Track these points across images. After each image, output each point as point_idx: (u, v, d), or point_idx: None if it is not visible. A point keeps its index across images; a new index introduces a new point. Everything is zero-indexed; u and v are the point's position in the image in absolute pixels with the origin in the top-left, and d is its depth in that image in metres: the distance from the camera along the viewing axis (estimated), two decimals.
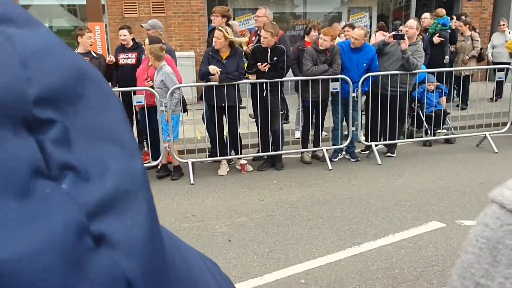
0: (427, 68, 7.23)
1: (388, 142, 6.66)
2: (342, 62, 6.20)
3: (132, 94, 5.83)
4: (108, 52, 7.26)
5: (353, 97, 6.27)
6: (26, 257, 0.19)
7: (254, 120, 6.37)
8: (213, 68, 5.67)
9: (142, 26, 6.70)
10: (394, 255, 3.85)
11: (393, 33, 6.61)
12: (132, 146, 0.27)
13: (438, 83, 7.25)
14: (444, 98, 7.53)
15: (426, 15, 9.17)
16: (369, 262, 3.76)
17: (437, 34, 8.69)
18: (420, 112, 7.13)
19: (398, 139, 6.77)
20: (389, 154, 6.71)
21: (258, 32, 6.46)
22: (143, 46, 6.26)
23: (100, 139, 0.25)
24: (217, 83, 5.76)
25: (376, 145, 6.57)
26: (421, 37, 7.09)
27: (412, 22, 6.50)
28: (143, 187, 0.25)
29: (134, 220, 0.24)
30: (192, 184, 5.73)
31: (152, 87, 5.73)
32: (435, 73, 7.06)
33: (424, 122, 7.13)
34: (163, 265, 0.26)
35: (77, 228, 0.21)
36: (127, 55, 6.56)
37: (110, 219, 0.23)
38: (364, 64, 6.23)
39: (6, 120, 0.20)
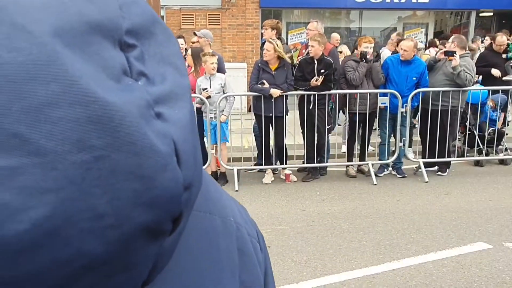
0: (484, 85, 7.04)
1: (437, 160, 6.50)
2: (391, 76, 6.17)
3: None
4: None
5: (402, 112, 6.20)
6: (120, 103, 0.32)
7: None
8: (274, 92, 5.81)
9: (195, 34, 6.96)
10: (435, 273, 3.77)
11: (444, 50, 6.49)
12: (183, 70, 0.40)
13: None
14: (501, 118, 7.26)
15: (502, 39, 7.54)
16: (408, 277, 3.70)
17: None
18: (474, 130, 6.93)
19: (448, 157, 6.58)
20: (439, 173, 6.54)
21: (309, 45, 6.54)
22: (185, 56, 6.51)
23: (163, 62, 0.38)
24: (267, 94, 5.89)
25: (426, 163, 6.44)
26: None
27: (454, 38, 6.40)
28: (188, 95, 0.39)
29: (180, 111, 0.37)
30: (237, 191, 5.85)
31: (208, 97, 5.87)
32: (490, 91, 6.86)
33: (479, 142, 6.92)
34: (194, 143, 0.39)
35: (147, 102, 0.34)
36: None
37: (165, 107, 0.36)
38: (414, 78, 6.15)
39: (109, 38, 0.34)
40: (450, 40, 6.31)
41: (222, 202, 0.54)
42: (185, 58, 6.67)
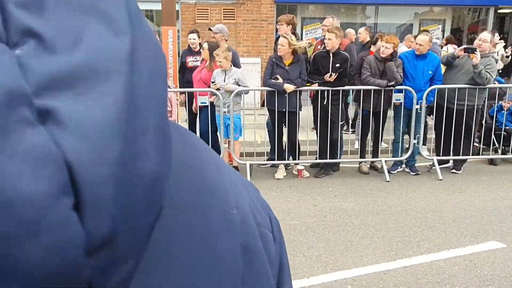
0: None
1: (451, 157, 6.43)
2: (406, 71, 6.12)
3: (197, 95, 6.14)
4: (178, 55, 7.61)
5: (417, 109, 6.14)
6: None
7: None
8: (288, 87, 5.80)
9: (210, 29, 6.98)
10: (447, 271, 3.75)
11: (464, 46, 6.40)
12: (122, 24, 0.23)
13: None
14: None
15: None
16: (420, 275, 3.68)
17: None
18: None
19: (463, 155, 6.50)
20: (454, 170, 6.48)
21: (324, 41, 6.51)
22: (201, 50, 6.54)
23: (81, 11, 0.22)
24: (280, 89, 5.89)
25: (439, 160, 6.38)
26: None
27: (485, 35, 6.26)
28: (124, 69, 0.22)
29: (99, 101, 0.21)
30: None
31: (218, 89, 5.93)
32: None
33: (495, 140, 6.83)
34: (135, 160, 0.22)
35: (10, 95, 0.18)
36: (195, 58, 6.86)
37: (65, 96, 0.20)
38: (430, 72, 6.08)
39: None
40: (488, 39, 6.16)
41: (224, 188, 0.43)
42: (200, 52, 6.71)
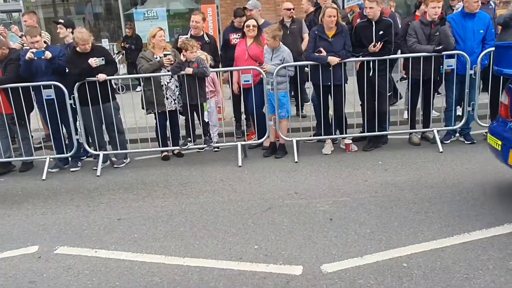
0: None
1: None
2: (455, 34, 5.76)
3: (240, 73, 6.08)
4: (219, 32, 7.55)
5: (470, 74, 5.80)
6: None
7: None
8: (332, 59, 5.62)
9: (245, 8, 6.88)
10: (510, 246, 3.56)
11: None
12: None
13: None
14: None
15: None
16: (480, 251, 3.53)
17: None
18: None
19: None
20: None
21: (364, 13, 6.25)
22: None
23: None
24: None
25: None
26: None
27: None
28: None
29: None
30: (296, 162, 5.81)
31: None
32: None
33: None
34: None
35: None
36: (238, 35, 6.78)
37: None
38: (481, 31, 5.71)
39: None
40: None
41: None
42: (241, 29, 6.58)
